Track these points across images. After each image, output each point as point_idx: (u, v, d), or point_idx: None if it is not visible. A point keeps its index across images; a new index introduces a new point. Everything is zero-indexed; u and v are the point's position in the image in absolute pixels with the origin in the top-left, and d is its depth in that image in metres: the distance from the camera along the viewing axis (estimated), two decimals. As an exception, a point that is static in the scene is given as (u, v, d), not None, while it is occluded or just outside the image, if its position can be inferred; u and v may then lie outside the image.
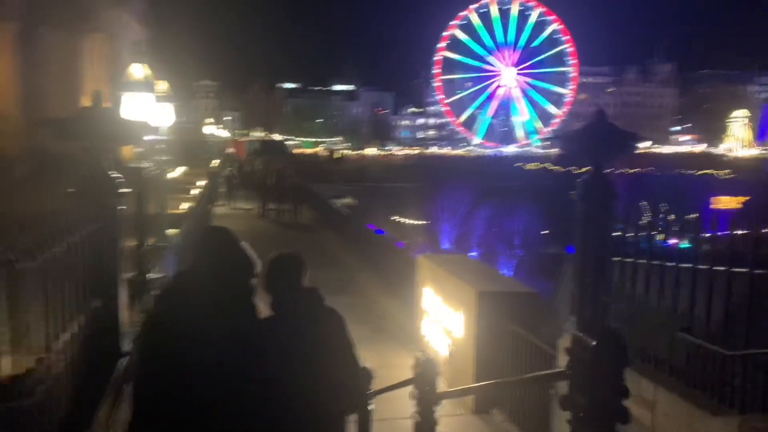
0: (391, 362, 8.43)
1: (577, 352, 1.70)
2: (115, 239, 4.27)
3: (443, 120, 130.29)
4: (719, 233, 3.91)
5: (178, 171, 43.66)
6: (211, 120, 30.48)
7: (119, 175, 4.30)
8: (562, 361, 5.43)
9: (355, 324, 9.65)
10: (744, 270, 3.62)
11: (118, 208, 4.30)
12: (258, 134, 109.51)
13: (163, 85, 7.82)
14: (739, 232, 3.72)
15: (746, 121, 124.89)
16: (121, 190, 4.29)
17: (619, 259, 5.02)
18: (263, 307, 3.06)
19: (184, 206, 21.60)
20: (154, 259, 8.03)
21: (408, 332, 9.27)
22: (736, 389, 3.62)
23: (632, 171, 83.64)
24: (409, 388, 3.75)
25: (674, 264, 4.20)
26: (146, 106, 5.95)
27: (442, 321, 7.61)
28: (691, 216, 4.38)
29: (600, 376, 1.63)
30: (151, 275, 6.40)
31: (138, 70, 5.73)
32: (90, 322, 4.02)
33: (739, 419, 3.47)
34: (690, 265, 4.05)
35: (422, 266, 8.55)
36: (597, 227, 5.20)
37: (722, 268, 3.69)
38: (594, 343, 1.68)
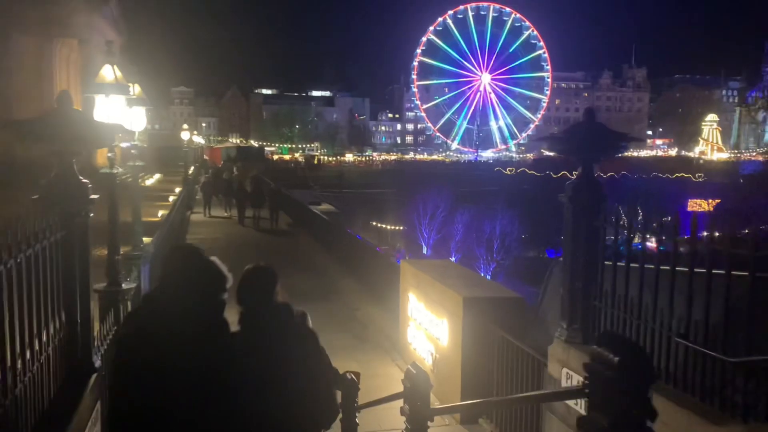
0: (376, 371, 8.22)
1: (597, 368, 1.54)
2: (84, 248, 4.02)
3: (421, 125, 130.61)
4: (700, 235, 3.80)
5: (154, 178, 43.03)
6: (187, 126, 29.91)
7: (87, 181, 4.06)
8: (553, 369, 5.29)
9: (337, 332, 9.40)
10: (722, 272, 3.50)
11: (88, 215, 4.05)
12: (234, 141, 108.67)
13: (135, 89, 7.54)
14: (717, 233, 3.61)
15: (715, 125, 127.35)
16: (91, 196, 4.05)
17: (611, 262, 4.89)
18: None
19: (161, 214, 21.20)
20: (127, 269, 7.74)
21: (392, 340, 9.07)
22: (738, 396, 3.49)
23: (606, 174, 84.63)
24: (398, 402, 3.55)
25: (670, 267, 4.07)
26: (118, 109, 5.71)
27: (428, 328, 7.43)
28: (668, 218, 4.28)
29: (624, 395, 1.46)
30: (125, 285, 6.12)
31: (108, 72, 5.46)
32: (58, 336, 3.77)
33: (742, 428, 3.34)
34: (686, 268, 3.92)
35: (406, 272, 8.37)
36: (587, 229, 5.07)
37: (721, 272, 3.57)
38: (617, 358, 1.51)
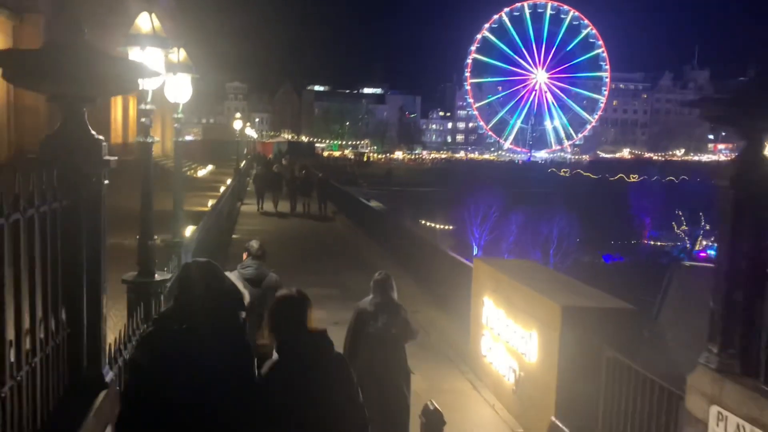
0: (441, 386, 7.13)
1: None
2: (94, 224, 3.04)
3: (472, 124, 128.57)
4: None
5: (206, 169, 42.96)
6: (239, 116, 29.37)
7: (102, 138, 3.08)
8: (695, 405, 4.06)
9: None
10: None
11: (101, 181, 3.07)
12: (286, 136, 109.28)
13: (180, 54, 6.62)
14: None
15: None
16: (106, 157, 3.06)
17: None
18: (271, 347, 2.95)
19: (210, 204, 20.60)
20: (165, 258, 6.85)
21: (460, 350, 7.93)
22: None
23: (665, 179, 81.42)
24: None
25: None
26: (155, 64, 4.78)
27: (509, 340, 6.26)
28: None
29: None
30: (158, 276, 5.18)
31: (145, 21, 4.49)
32: (54, 339, 2.81)
33: None
34: None
35: (480, 273, 7.22)
36: (754, 223, 3.82)
37: None
38: None
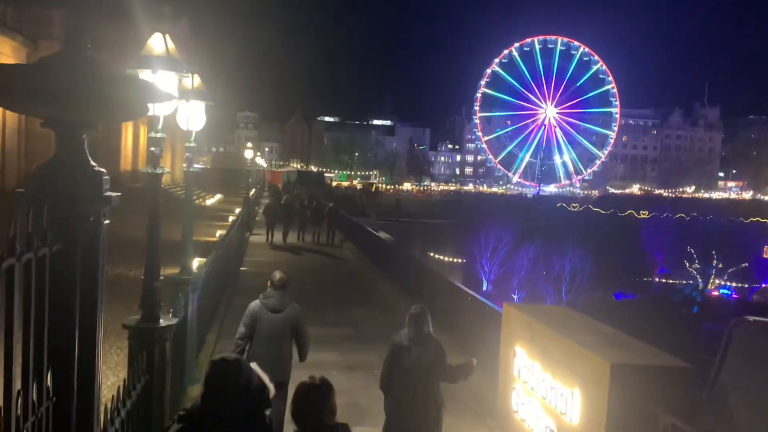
0: (466, 442, 6.53)
1: None
2: (92, 273, 2.55)
3: (481, 157, 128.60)
4: None
5: (215, 198, 42.73)
6: (251, 145, 29.14)
7: (104, 170, 2.61)
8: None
9: None
10: None
11: (101, 221, 2.59)
12: (295, 165, 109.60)
13: (194, 80, 6.23)
14: None
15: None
16: (108, 193, 2.59)
17: None
18: None
19: (218, 234, 20.18)
20: (172, 296, 6.36)
21: (486, 403, 7.34)
22: None
23: (676, 215, 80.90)
24: None
25: None
26: (169, 88, 4.41)
27: (546, 396, 5.69)
28: None
29: None
30: (164, 321, 4.68)
31: (158, 42, 4.10)
32: (36, 412, 2.31)
33: None
34: None
35: (512, 319, 6.67)
36: None
37: None
38: None
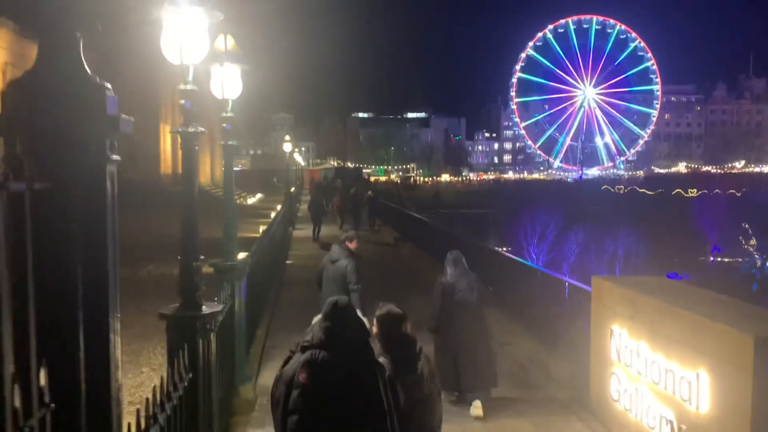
0: (558, 439, 5.67)
1: None
2: (97, 224, 1.81)
3: (519, 144, 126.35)
4: None
5: (256, 197, 42.54)
6: (288, 138, 28.46)
7: (110, 86, 1.86)
8: None
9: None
10: None
11: (108, 156, 1.84)
12: (332, 162, 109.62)
13: (228, 41, 5.49)
14: None
15: None
16: (114, 113, 1.84)
17: None
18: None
19: (261, 230, 19.70)
20: (216, 286, 5.66)
21: (575, 392, 6.44)
22: None
23: (727, 191, 77.92)
24: None
25: None
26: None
27: (659, 382, 4.78)
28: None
29: None
30: (206, 308, 3.95)
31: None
32: (30, 420, 1.57)
33: None
34: None
35: (605, 295, 5.76)
36: None
37: None
38: None
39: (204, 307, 3.88)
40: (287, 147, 28.09)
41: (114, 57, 24.83)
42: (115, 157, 1.90)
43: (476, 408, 5.96)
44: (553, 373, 7.06)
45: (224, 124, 5.93)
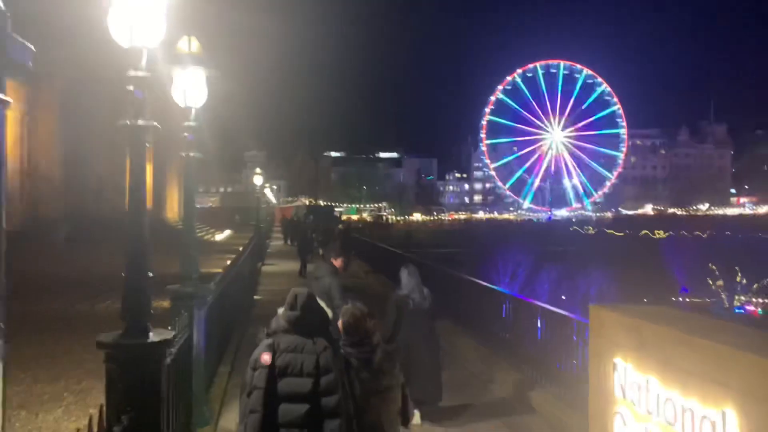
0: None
1: None
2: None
3: (489, 185, 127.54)
4: None
5: (224, 234, 41.56)
6: (260, 171, 27.74)
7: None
8: None
9: (472, 415, 6.14)
10: None
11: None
12: (304, 200, 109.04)
13: (192, 44, 4.97)
14: None
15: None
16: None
17: None
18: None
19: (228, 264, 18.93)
20: (172, 313, 5.00)
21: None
22: None
23: (692, 233, 79.52)
24: None
25: None
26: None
27: (673, 422, 4.24)
28: None
29: None
30: (153, 335, 3.31)
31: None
32: None
33: None
34: None
35: (603, 325, 5.24)
36: None
37: None
38: None
39: (152, 333, 3.24)
40: (258, 180, 27.44)
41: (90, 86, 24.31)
42: (5, 98, 1.33)
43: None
44: (543, 411, 6.46)
45: (185, 134, 5.35)
